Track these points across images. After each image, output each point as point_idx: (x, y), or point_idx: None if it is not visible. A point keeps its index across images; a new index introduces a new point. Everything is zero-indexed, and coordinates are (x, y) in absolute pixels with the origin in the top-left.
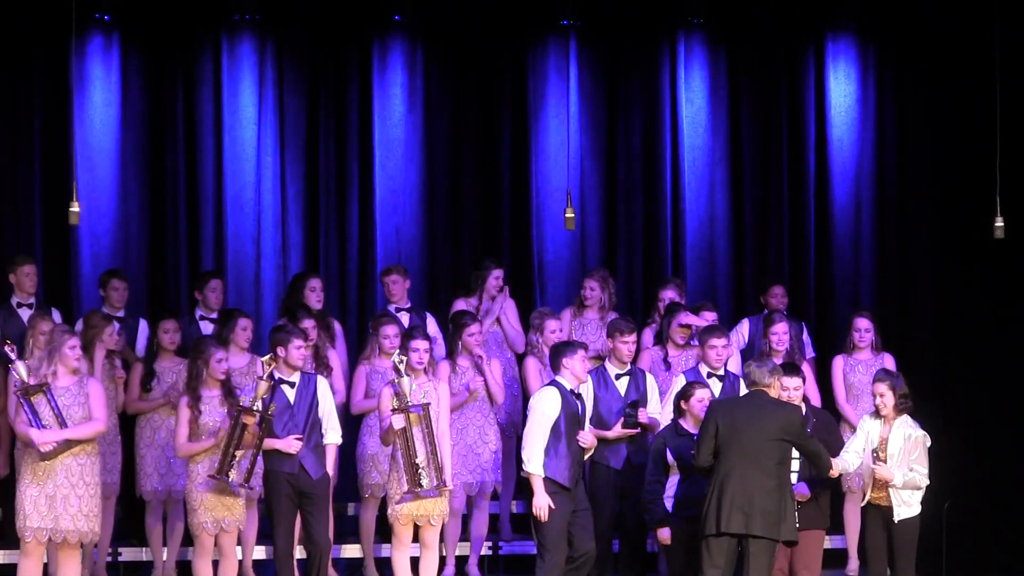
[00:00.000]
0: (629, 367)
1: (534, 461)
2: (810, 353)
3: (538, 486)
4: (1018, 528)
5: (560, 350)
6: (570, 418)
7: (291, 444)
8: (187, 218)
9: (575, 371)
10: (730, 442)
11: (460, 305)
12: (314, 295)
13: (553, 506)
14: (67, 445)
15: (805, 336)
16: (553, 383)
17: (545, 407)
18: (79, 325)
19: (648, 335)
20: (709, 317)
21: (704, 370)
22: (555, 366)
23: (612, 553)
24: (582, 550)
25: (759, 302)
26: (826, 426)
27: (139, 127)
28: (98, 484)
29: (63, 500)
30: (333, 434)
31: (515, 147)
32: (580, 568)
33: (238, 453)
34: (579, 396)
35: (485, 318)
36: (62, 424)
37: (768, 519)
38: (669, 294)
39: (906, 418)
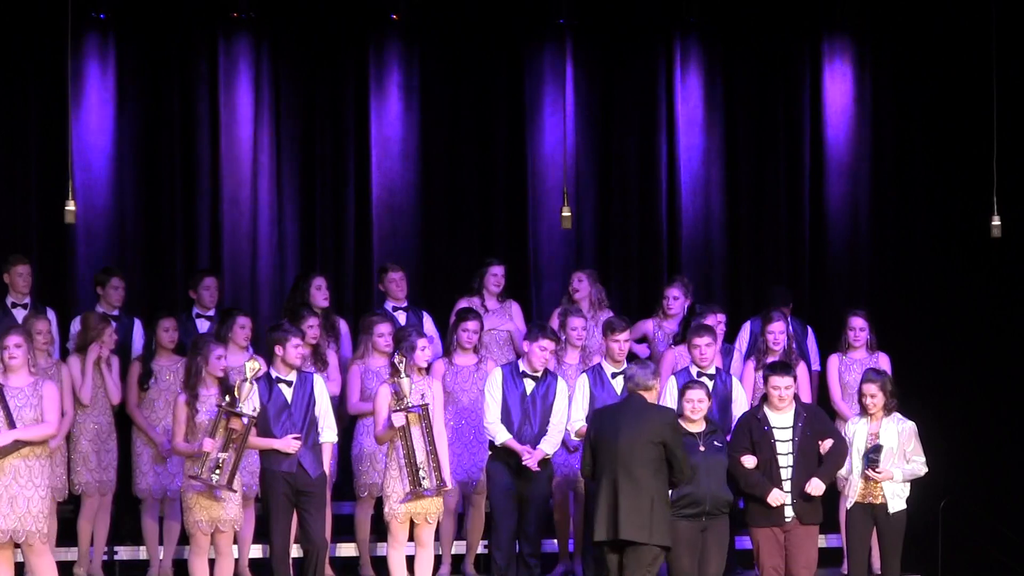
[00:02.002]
0: (626, 365)
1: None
2: (816, 365)
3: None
4: (1015, 527)
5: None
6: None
7: (289, 443)
8: (183, 217)
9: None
10: (603, 449)
11: (462, 304)
12: (320, 293)
13: None
14: (16, 446)
15: (812, 343)
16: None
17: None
18: (76, 325)
19: (649, 325)
20: (713, 320)
21: (694, 370)
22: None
23: None
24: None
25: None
26: (818, 418)
27: (135, 126)
28: (48, 486)
29: (11, 501)
30: (329, 432)
31: (511, 146)
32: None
33: (221, 455)
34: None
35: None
36: (11, 426)
37: (635, 523)
38: (675, 292)
39: (894, 414)
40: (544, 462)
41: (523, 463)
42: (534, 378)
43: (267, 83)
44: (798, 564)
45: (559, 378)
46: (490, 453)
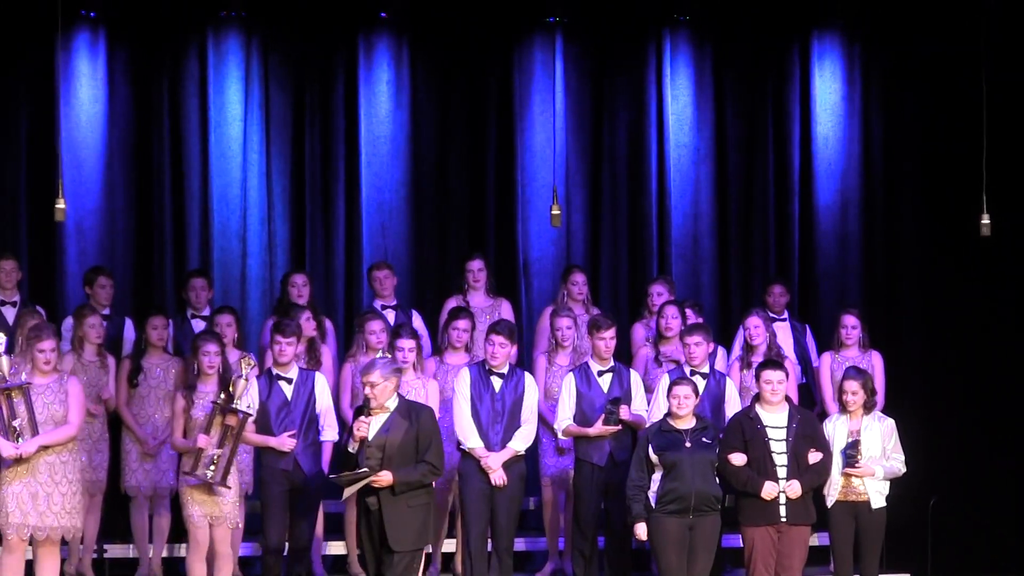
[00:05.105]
0: (612, 364)
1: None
2: (815, 361)
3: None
4: (1004, 525)
5: None
6: None
7: (285, 442)
8: (173, 215)
9: None
10: None
11: (451, 303)
12: (295, 290)
13: None
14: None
15: (810, 342)
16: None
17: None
18: (68, 322)
19: (640, 330)
20: (689, 316)
21: (687, 369)
22: None
23: (597, 550)
24: None
25: (763, 301)
26: (811, 424)
27: (125, 124)
28: (80, 481)
29: (46, 498)
30: (330, 431)
31: (501, 144)
32: None
33: (216, 451)
34: None
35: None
36: (34, 425)
37: None
38: (657, 290)
39: (875, 411)
40: (515, 459)
41: (491, 479)
42: (501, 376)
43: (257, 81)
44: (789, 564)
45: (527, 374)
46: (461, 452)
